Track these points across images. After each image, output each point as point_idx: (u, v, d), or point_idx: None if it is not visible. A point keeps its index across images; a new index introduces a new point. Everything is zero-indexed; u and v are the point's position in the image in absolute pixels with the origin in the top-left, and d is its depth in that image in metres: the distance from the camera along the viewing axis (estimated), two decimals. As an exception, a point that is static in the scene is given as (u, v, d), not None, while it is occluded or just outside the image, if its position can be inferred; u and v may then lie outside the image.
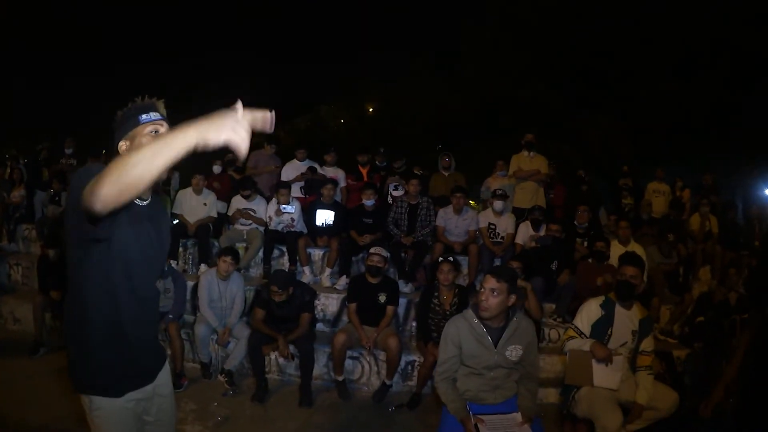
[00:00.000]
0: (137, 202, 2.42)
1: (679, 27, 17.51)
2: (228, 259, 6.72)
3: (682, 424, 4.82)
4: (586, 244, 8.23)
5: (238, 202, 8.49)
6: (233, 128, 1.72)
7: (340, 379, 6.47)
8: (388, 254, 6.92)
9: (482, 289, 3.98)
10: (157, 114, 2.42)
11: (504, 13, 20.42)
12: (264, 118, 1.84)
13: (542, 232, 8.13)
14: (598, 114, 19.31)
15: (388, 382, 6.44)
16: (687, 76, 17.76)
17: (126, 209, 2.26)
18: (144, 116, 2.38)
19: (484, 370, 4.09)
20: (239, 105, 1.80)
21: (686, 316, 7.49)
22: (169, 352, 6.59)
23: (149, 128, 2.37)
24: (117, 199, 1.75)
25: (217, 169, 10.03)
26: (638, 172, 13.08)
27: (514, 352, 4.04)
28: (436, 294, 6.30)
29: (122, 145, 2.38)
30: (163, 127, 2.40)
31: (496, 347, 4.03)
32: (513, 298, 3.99)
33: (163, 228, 2.66)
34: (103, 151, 12.25)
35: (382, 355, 6.55)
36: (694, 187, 12.31)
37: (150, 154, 1.70)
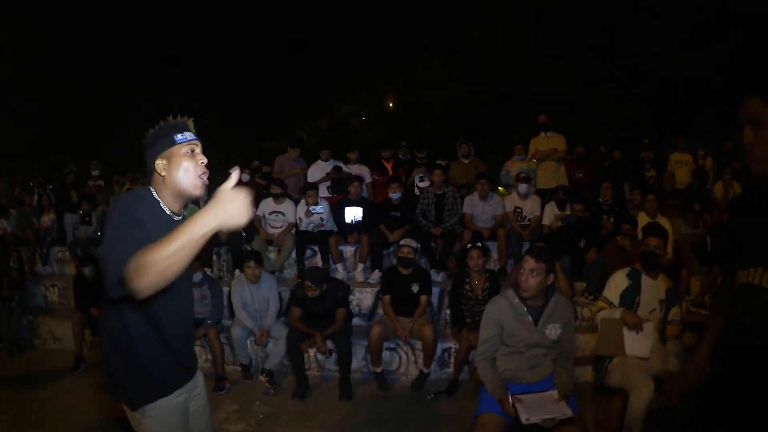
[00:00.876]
0: (174, 218, 2.50)
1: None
2: (251, 264, 6.81)
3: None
4: (612, 220, 8.21)
5: (266, 204, 8.56)
6: (242, 207, 1.91)
7: (379, 370, 6.53)
8: (418, 245, 6.95)
9: (522, 270, 4.03)
10: (191, 134, 2.51)
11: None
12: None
13: (567, 212, 8.12)
14: (615, 89, 19.19)
15: (425, 371, 6.49)
16: (699, 47, 17.63)
17: (158, 222, 2.39)
18: (179, 136, 2.46)
19: (524, 348, 4.13)
20: (235, 174, 2.01)
21: (716, 286, 7.43)
22: (209, 356, 6.75)
23: (185, 149, 2.46)
24: (154, 289, 1.91)
25: (244, 177, 10.13)
26: (659, 144, 12.98)
27: (553, 330, 4.09)
28: (467, 280, 6.34)
29: (159, 163, 2.45)
30: (198, 147, 2.50)
31: (536, 326, 4.08)
32: (551, 277, 4.05)
33: None
34: (129, 172, 12.45)
35: (418, 345, 6.60)
36: (715, 155, 12.21)
37: (183, 247, 1.85)
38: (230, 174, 1.98)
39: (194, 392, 2.81)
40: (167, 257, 1.83)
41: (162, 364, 2.58)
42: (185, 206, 2.59)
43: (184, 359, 2.74)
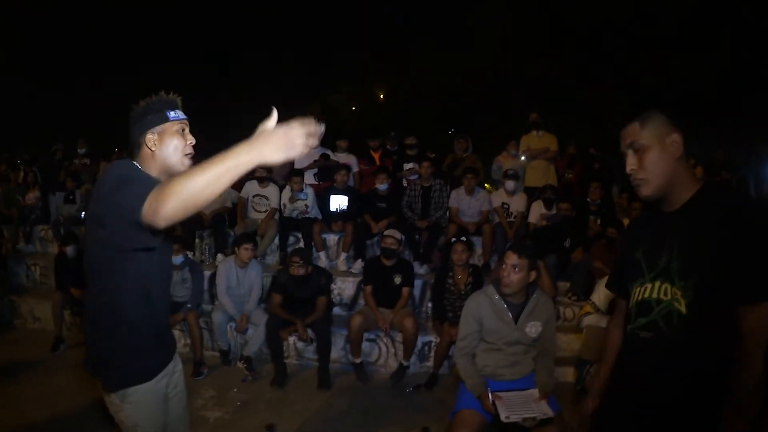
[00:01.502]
0: None
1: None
2: (249, 246, 6.78)
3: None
4: (599, 221, 8.21)
5: (250, 187, 8.51)
6: (290, 143, 1.77)
7: (358, 361, 6.50)
8: (402, 236, 6.94)
9: (503, 265, 3.99)
10: (182, 113, 2.49)
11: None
12: (312, 132, 1.83)
13: (554, 211, 8.13)
14: (607, 89, 19.22)
15: (405, 363, 6.46)
16: (693, 50, 17.65)
17: None
18: (173, 113, 2.45)
19: (504, 345, 4.10)
20: (275, 115, 1.85)
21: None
22: (188, 340, 6.70)
23: (177, 126, 2.45)
24: (181, 217, 1.82)
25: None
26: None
27: (533, 328, 4.06)
28: (450, 274, 6.33)
29: (150, 137, 2.41)
30: (187, 127, 2.50)
31: (516, 323, 4.05)
32: (533, 274, 4.01)
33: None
34: (116, 149, 12.35)
35: (399, 337, 6.57)
36: (705, 164, 12.20)
37: (216, 176, 1.74)
38: (271, 112, 1.86)
39: (173, 377, 2.77)
40: (203, 182, 1.74)
41: (148, 344, 2.55)
42: None
43: (166, 339, 2.73)
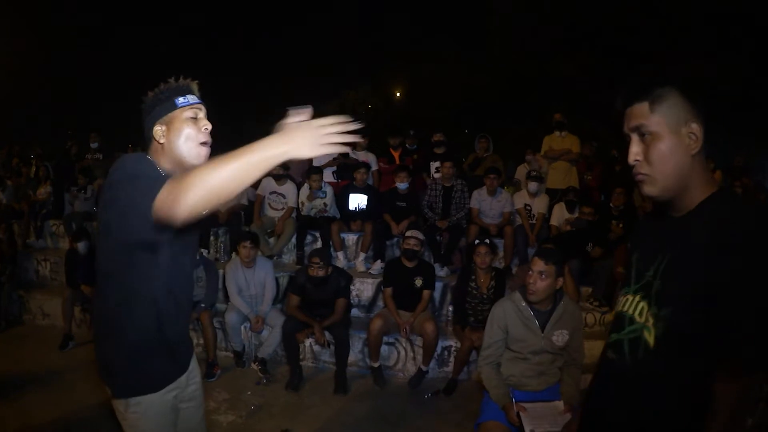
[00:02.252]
0: None
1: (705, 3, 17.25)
2: (247, 243, 6.58)
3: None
4: (621, 225, 8.04)
5: (268, 184, 8.33)
6: (319, 140, 1.64)
7: (376, 365, 6.34)
8: (424, 237, 6.77)
9: (530, 272, 3.86)
10: (194, 97, 2.29)
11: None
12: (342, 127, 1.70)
13: (576, 214, 7.94)
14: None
15: (424, 368, 6.30)
16: (714, 53, 17.47)
17: None
18: (181, 99, 2.24)
19: (530, 354, 3.99)
20: (294, 114, 1.71)
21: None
22: (201, 341, 6.54)
23: (188, 113, 2.24)
24: (202, 209, 1.67)
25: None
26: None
27: (560, 337, 3.95)
28: (473, 277, 6.16)
29: (158, 129, 2.23)
30: (202, 112, 2.29)
31: (543, 331, 3.93)
32: (561, 281, 3.90)
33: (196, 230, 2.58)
34: (129, 145, 12.26)
35: (418, 341, 6.41)
36: (725, 169, 12.01)
37: (244, 169, 1.61)
38: (300, 111, 1.72)
39: (187, 389, 2.59)
40: (229, 174, 1.60)
41: (156, 356, 2.38)
42: None
43: (178, 353, 2.54)
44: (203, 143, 2.24)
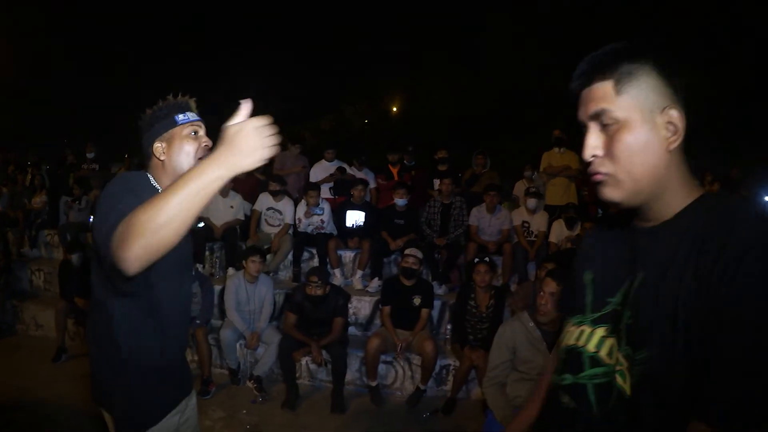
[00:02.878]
0: None
1: (700, 14, 17.30)
2: (256, 258, 6.55)
3: None
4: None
5: (264, 200, 8.26)
6: (262, 144, 1.50)
7: (374, 384, 6.26)
8: (423, 256, 6.72)
9: (541, 293, 3.81)
10: (194, 114, 2.27)
11: (522, 7, 20.37)
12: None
13: (576, 231, 7.90)
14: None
15: (422, 387, 6.23)
16: (710, 65, 17.52)
17: None
18: (181, 116, 2.23)
19: (537, 375, 3.91)
20: (246, 108, 1.56)
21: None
22: (196, 357, 6.45)
23: (187, 130, 2.22)
24: (149, 260, 1.53)
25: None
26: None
27: None
28: (472, 296, 6.11)
29: (158, 146, 2.20)
30: (201, 129, 2.25)
31: (551, 352, 3.83)
32: None
33: (189, 243, 2.50)
34: (126, 155, 12.19)
35: (416, 360, 6.36)
36: (722, 181, 12.02)
37: (184, 203, 1.46)
38: (239, 106, 1.56)
39: (186, 411, 2.53)
40: (163, 214, 1.44)
41: (161, 382, 2.32)
42: None
43: (179, 376, 2.49)
44: (203, 159, 2.17)
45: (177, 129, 2.21)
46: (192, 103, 2.31)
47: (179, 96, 2.29)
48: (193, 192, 1.45)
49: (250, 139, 1.47)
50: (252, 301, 6.60)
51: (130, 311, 2.17)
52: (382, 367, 6.45)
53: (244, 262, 6.71)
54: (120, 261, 1.52)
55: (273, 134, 1.51)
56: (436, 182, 9.01)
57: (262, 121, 1.50)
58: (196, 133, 2.23)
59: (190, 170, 1.50)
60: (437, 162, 9.50)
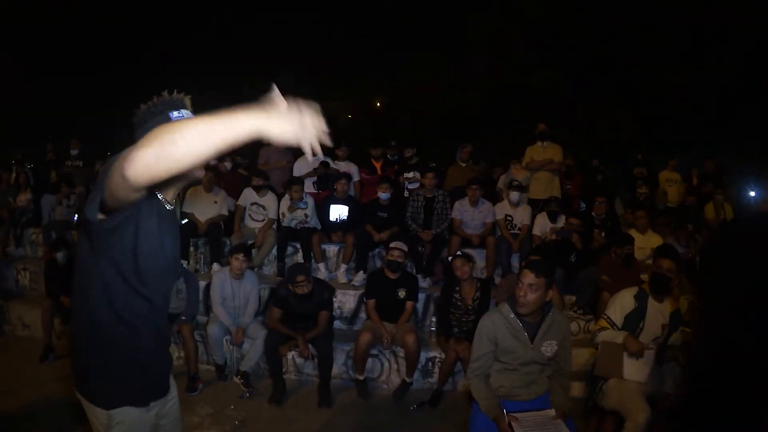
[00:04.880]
0: (166, 206, 2.27)
1: (685, 13, 17.37)
2: (240, 256, 6.54)
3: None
4: (603, 234, 8.11)
5: (248, 195, 8.27)
6: (302, 125, 1.51)
7: (361, 378, 6.30)
8: (407, 248, 6.75)
9: (520, 284, 3.83)
10: (188, 112, 2.25)
11: (507, 3, 20.37)
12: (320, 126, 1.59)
13: (560, 224, 7.98)
14: (608, 102, 19.15)
15: (408, 380, 6.29)
16: (694, 63, 17.62)
17: (151, 204, 2.13)
18: (175, 114, 2.20)
19: (520, 365, 3.97)
20: (276, 91, 1.58)
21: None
22: (182, 354, 6.46)
23: None
24: (153, 171, 1.52)
25: (227, 166, 9.90)
26: (650, 161, 12.86)
27: (549, 347, 3.94)
28: (457, 288, 6.14)
29: None
30: None
31: (532, 343, 3.91)
32: (550, 293, 3.88)
33: (177, 240, 2.49)
34: (108, 153, 12.13)
35: (401, 352, 6.39)
36: (699, 175, 12.17)
37: (206, 130, 1.46)
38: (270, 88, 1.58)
39: (165, 407, 2.53)
40: (191, 133, 1.46)
41: (145, 365, 2.34)
42: (178, 195, 2.33)
43: (161, 367, 2.50)
44: None
45: None
46: (187, 100, 2.29)
47: (174, 93, 2.27)
48: (224, 125, 1.47)
49: (297, 117, 1.50)
50: (237, 297, 6.60)
51: (102, 297, 2.17)
52: (368, 361, 6.47)
53: (229, 258, 6.72)
54: (129, 163, 1.52)
55: (317, 127, 1.54)
56: (407, 174, 9.35)
57: (315, 108, 1.53)
58: None
59: (227, 110, 1.50)
60: (407, 158, 9.67)
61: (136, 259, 2.17)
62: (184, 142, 1.46)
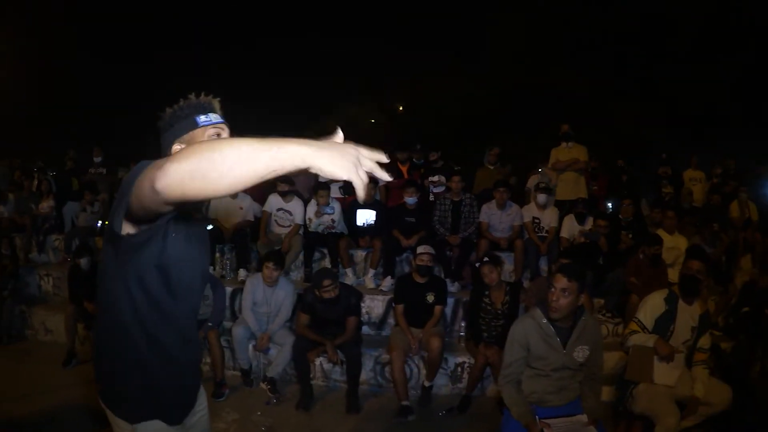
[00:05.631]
0: (194, 213, 2.20)
1: (704, 9, 17.26)
2: (271, 264, 6.45)
3: (734, 419, 4.79)
4: (630, 236, 8.01)
5: (274, 200, 8.18)
6: (354, 164, 1.39)
7: (407, 403, 5.87)
8: (435, 252, 6.67)
9: (552, 289, 3.75)
10: (217, 116, 2.15)
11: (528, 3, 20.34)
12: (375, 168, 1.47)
13: (587, 226, 7.90)
14: (628, 101, 19.01)
15: (427, 384, 6.22)
16: (714, 60, 17.47)
17: (181, 219, 2.05)
18: (203, 118, 2.11)
19: (552, 371, 3.90)
20: (340, 134, 1.50)
21: (730, 306, 7.29)
22: (208, 360, 6.42)
23: (210, 132, 2.10)
24: (186, 189, 1.38)
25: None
26: (673, 160, 12.73)
27: (581, 352, 3.87)
28: (486, 293, 6.04)
29: (177, 148, 2.07)
30: (224, 132, 2.13)
31: (564, 348, 3.84)
32: (583, 297, 3.83)
33: (207, 250, 2.45)
34: (132, 162, 12.18)
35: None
36: (722, 174, 12.02)
37: (250, 153, 1.33)
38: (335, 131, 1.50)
39: (194, 417, 2.48)
40: (234, 152, 1.31)
41: (173, 380, 2.27)
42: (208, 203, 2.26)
43: (193, 380, 2.45)
44: None
45: (198, 131, 2.10)
46: (216, 103, 2.19)
47: (202, 95, 2.18)
48: (264, 151, 1.34)
49: (346, 152, 1.39)
50: (268, 303, 6.53)
51: (127, 303, 2.09)
52: (397, 368, 6.36)
53: (261, 265, 6.67)
54: (161, 175, 1.38)
55: (369, 167, 1.43)
56: (432, 178, 9.28)
57: (369, 152, 1.43)
58: (218, 136, 2.11)
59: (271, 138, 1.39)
60: (432, 162, 9.63)
61: (164, 272, 2.10)
62: (223, 164, 1.32)
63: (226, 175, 1.32)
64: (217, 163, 1.31)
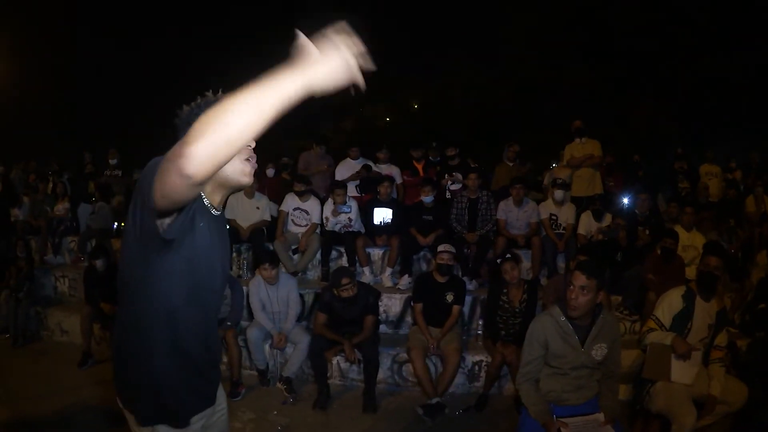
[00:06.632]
0: (213, 211, 2.15)
1: (720, 1, 17.13)
2: (266, 266, 6.47)
3: (751, 417, 4.71)
4: (647, 231, 7.92)
5: (291, 200, 8.18)
6: (345, 61, 1.41)
7: (433, 402, 5.73)
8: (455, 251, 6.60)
9: (571, 287, 3.70)
10: None
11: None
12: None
13: (605, 222, 7.85)
14: (643, 96, 18.87)
15: (432, 401, 5.73)
16: (728, 54, 17.32)
17: (201, 214, 2.03)
18: None
19: (570, 370, 3.87)
20: (302, 37, 1.46)
21: (746, 303, 7.16)
22: (225, 359, 6.39)
23: None
24: (215, 159, 1.42)
25: (270, 172, 9.98)
26: (689, 155, 12.60)
27: (599, 351, 3.83)
28: (504, 291, 6.00)
29: None
30: None
31: (583, 346, 3.80)
32: (602, 295, 3.77)
33: (228, 250, 2.42)
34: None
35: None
36: (743, 167, 11.87)
37: (255, 102, 1.37)
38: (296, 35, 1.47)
39: (213, 417, 2.44)
40: (241, 109, 1.37)
41: (192, 382, 2.23)
42: (226, 199, 2.21)
43: (207, 381, 2.37)
44: (248, 159, 2.07)
45: None
46: None
47: (219, 93, 2.11)
48: (266, 95, 1.39)
49: (332, 52, 1.41)
50: (275, 303, 6.53)
51: (152, 297, 2.06)
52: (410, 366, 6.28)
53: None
54: (186, 161, 1.41)
55: (356, 51, 1.44)
56: (454, 177, 9.15)
57: (343, 29, 1.44)
58: None
59: (265, 79, 1.41)
60: (449, 158, 9.55)
61: (192, 272, 2.08)
62: (237, 122, 1.38)
63: (243, 129, 1.40)
64: (231, 123, 1.38)
